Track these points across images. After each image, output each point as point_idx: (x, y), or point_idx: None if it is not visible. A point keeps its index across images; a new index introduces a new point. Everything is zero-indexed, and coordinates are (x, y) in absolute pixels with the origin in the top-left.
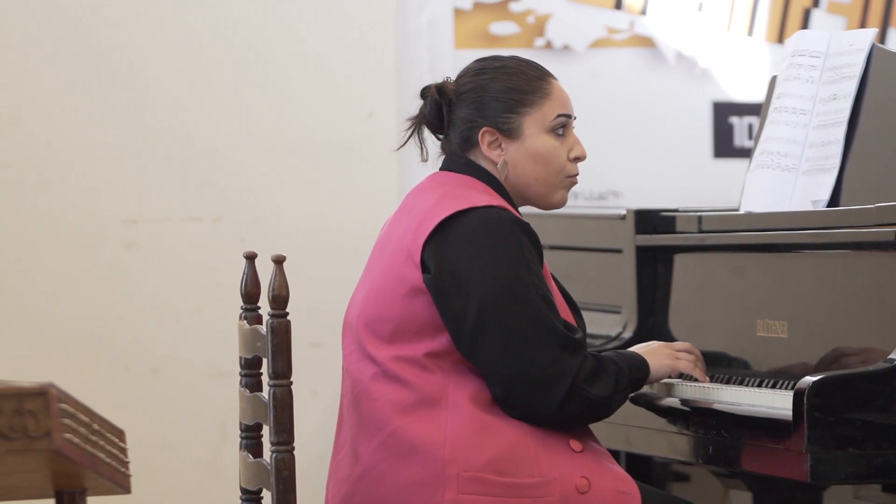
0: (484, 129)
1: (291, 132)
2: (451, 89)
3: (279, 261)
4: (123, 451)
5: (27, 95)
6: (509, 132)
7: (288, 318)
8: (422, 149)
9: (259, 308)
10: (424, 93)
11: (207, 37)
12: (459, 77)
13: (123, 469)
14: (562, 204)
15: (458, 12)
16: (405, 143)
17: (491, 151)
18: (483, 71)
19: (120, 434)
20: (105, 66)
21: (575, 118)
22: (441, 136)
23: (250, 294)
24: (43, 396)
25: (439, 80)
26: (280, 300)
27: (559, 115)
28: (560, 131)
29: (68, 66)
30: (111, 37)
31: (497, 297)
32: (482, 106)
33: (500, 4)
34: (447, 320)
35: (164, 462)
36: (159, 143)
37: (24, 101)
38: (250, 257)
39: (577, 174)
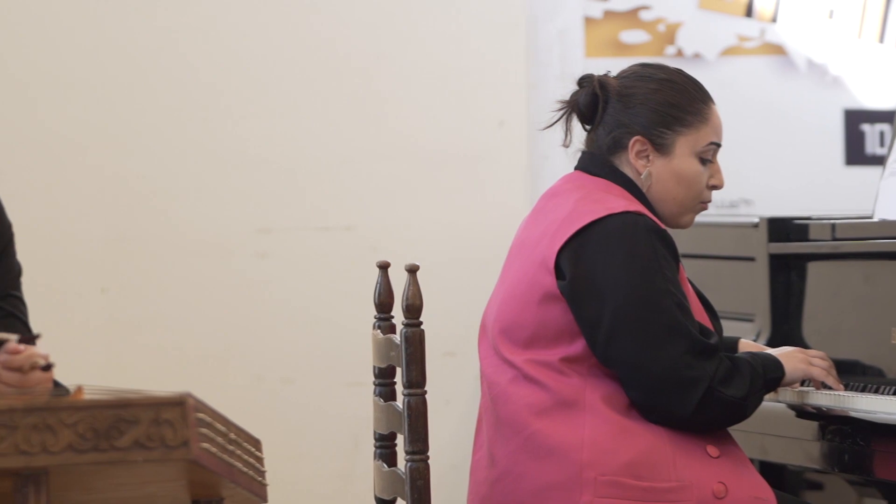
0: (636, 137)
1: (422, 141)
2: (614, 87)
3: (413, 270)
4: (260, 460)
5: (162, 105)
6: (661, 147)
7: (422, 327)
8: (566, 134)
9: (392, 317)
10: (583, 81)
11: (338, 45)
12: (622, 77)
13: (260, 479)
14: (687, 226)
15: (589, 21)
16: (553, 124)
17: (637, 161)
18: (648, 78)
19: (256, 443)
20: (234, 76)
21: (720, 146)
22: (588, 128)
23: (384, 303)
24: (180, 406)
25: (599, 75)
26: (414, 309)
27: (711, 143)
28: (708, 157)
29: (200, 77)
30: (240, 47)
31: (631, 305)
32: (640, 114)
33: (630, 13)
34: (582, 326)
35: (297, 471)
36: (291, 152)
37: (159, 110)
38: (383, 266)
39: (710, 201)
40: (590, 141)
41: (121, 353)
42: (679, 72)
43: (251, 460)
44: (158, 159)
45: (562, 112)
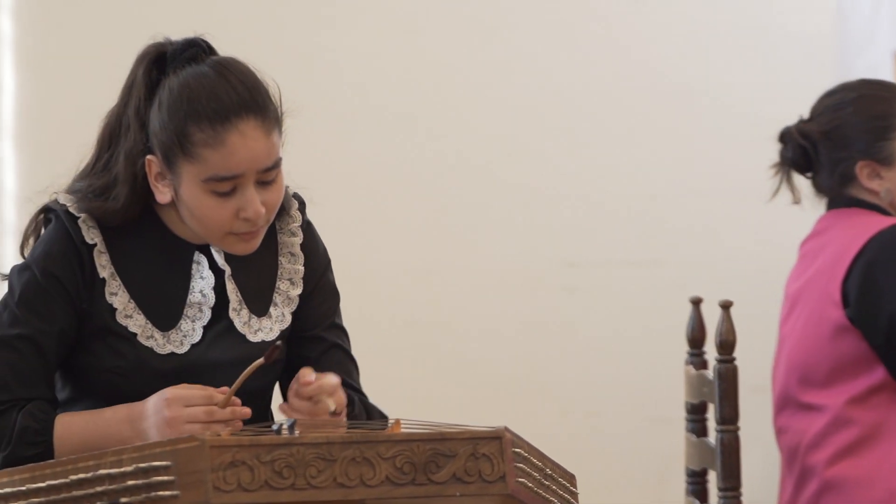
0: (860, 163)
1: (729, 176)
2: (815, 130)
3: (726, 306)
4: (574, 495)
5: (470, 138)
6: (884, 160)
7: (735, 363)
8: (793, 191)
9: (705, 353)
10: (784, 137)
11: (645, 79)
12: (816, 116)
13: None
14: None
15: None
16: (777, 190)
17: (871, 182)
18: (841, 105)
19: (571, 479)
20: (544, 109)
21: None
22: (809, 175)
23: (696, 339)
24: (498, 440)
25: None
26: (727, 345)
27: None
28: None
29: (511, 112)
30: (550, 82)
31: None
32: (851, 141)
33: None
34: (872, 342)
35: None
36: (598, 186)
37: (467, 143)
38: (696, 302)
39: None
40: (817, 186)
41: (430, 385)
42: (864, 82)
43: (566, 495)
44: (468, 193)
45: (779, 173)
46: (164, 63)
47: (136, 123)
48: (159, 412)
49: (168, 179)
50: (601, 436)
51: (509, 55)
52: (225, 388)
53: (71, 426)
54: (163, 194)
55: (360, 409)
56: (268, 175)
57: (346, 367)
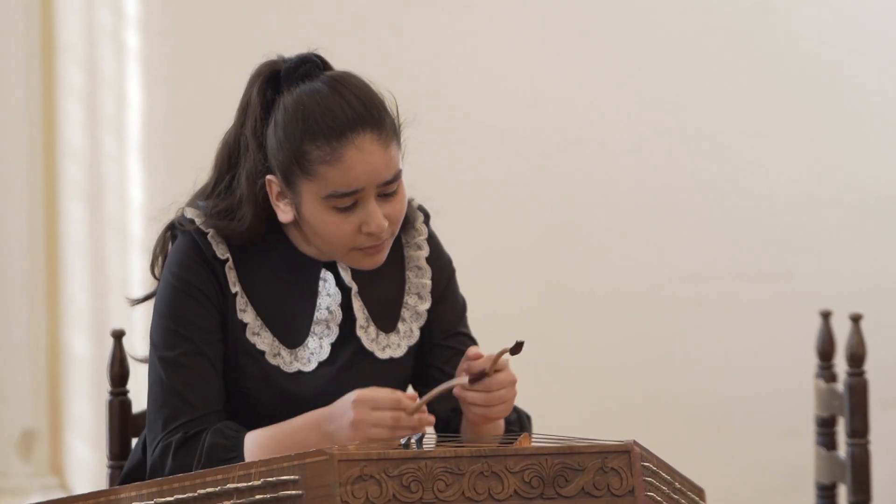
0: None
1: (859, 187)
2: None
3: (856, 318)
4: None
5: (594, 153)
6: None
7: (865, 375)
8: None
9: (834, 365)
10: None
11: (776, 87)
12: None
13: None
14: None
15: None
16: None
17: None
18: None
19: (700, 493)
20: (671, 122)
21: None
22: None
23: (826, 352)
24: (627, 454)
25: None
26: (857, 358)
27: None
28: None
29: (634, 121)
30: (678, 91)
31: None
32: None
33: None
34: None
35: None
36: (726, 198)
37: (594, 158)
38: (826, 315)
39: None
40: None
41: (554, 398)
42: None
43: None
44: (592, 208)
45: None
46: (279, 81)
47: (254, 144)
48: (345, 414)
49: (289, 199)
50: (729, 449)
51: (637, 65)
52: (414, 394)
53: (260, 439)
54: (285, 213)
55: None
56: (388, 188)
57: None
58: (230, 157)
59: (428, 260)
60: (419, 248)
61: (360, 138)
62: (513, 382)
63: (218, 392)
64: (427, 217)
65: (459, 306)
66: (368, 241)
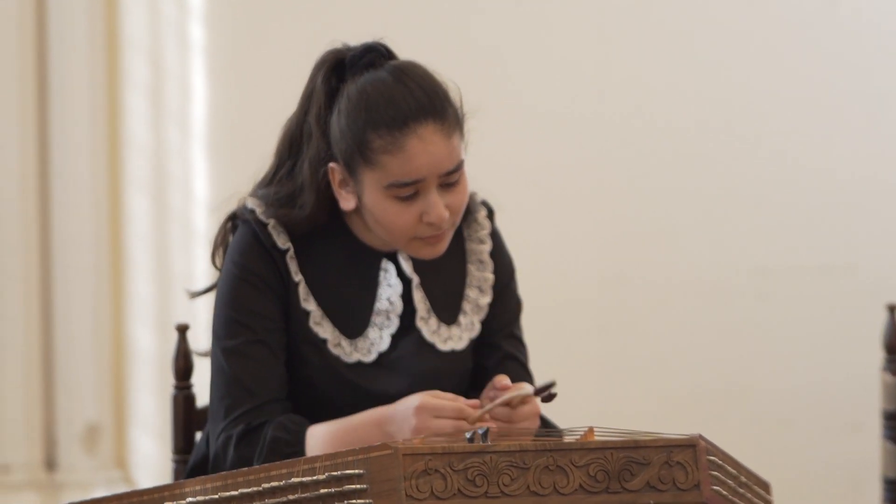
0: None
1: None
2: None
3: None
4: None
5: (660, 146)
6: None
7: None
8: None
9: None
10: None
11: (839, 81)
12: None
13: None
14: None
15: None
16: None
17: None
18: None
19: (766, 487)
20: (730, 116)
21: None
22: None
23: (892, 345)
24: (692, 448)
25: None
26: None
27: None
28: None
29: (698, 118)
30: (741, 86)
31: None
32: None
33: None
34: None
35: None
36: (790, 190)
37: (658, 152)
38: (892, 308)
39: None
40: None
41: (618, 392)
42: None
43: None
44: (656, 199)
45: None
46: (343, 70)
47: (318, 131)
48: (407, 419)
49: (351, 186)
50: (795, 443)
51: (704, 54)
52: (476, 402)
53: (322, 434)
54: (347, 201)
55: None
56: (450, 178)
57: (522, 379)
58: (292, 144)
59: (491, 254)
60: (481, 241)
61: (423, 128)
62: (535, 415)
63: (279, 380)
64: (491, 212)
65: (515, 306)
66: (429, 231)
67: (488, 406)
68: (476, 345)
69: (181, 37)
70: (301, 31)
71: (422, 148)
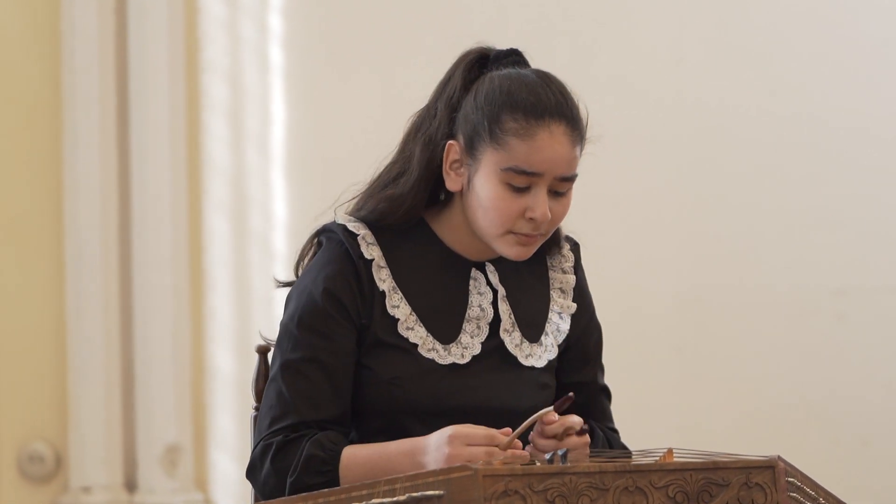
0: None
1: None
2: None
3: None
4: None
5: (736, 166)
6: None
7: None
8: None
9: None
10: None
11: None
12: None
13: None
14: None
15: None
16: None
17: None
18: None
19: None
20: (807, 135)
21: None
22: None
23: None
24: (771, 470)
25: None
26: None
27: None
28: None
29: (773, 132)
30: (811, 107)
31: None
32: None
33: None
34: None
35: None
36: (868, 210)
37: (733, 171)
38: None
39: None
40: None
41: (697, 412)
42: None
43: None
44: (734, 219)
45: None
46: (485, 64)
47: (446, 112)
48: (440, 448)
49: (465, 167)
50: (874, 465)
51: (779, 79)
52: (508, 430)
53: (356, 457)
54: (454, 182)
55: (604, 441)
56: (562, 185)
57: (608, 412)
58: (417, 130)
59: (574, 288)
60: (564, 272)
61: (556, 125)
62: (585, 445)
63: (329, 403)
64: (576, 246)
65: (599, 338)
66: (526, 228)
67: (517, 431)
68: (568, 374)
69: (261, 60)
70: (379, 54)
71: (550, 143)
